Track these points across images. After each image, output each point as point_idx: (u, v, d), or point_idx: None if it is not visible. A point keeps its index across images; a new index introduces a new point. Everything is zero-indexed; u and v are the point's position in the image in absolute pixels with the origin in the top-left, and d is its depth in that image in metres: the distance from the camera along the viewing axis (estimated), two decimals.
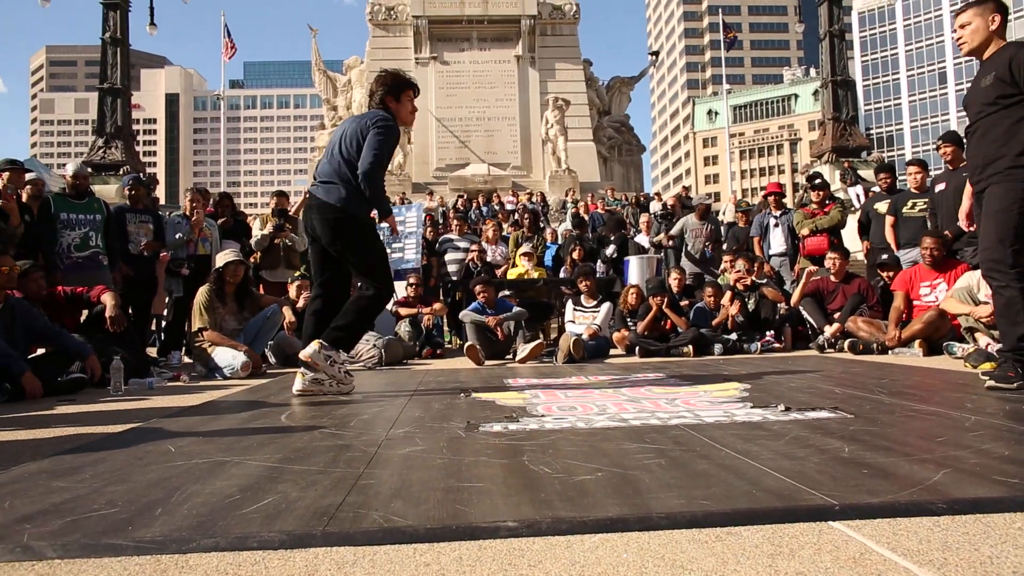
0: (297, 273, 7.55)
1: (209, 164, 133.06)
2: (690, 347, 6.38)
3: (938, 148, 6.54)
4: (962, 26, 3.58)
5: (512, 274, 8.84)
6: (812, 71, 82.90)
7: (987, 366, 4.09)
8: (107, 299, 5.10)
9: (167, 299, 7.20)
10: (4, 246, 4.98)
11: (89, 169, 7.51)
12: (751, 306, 7.00)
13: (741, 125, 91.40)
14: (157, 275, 6.90)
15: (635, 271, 9.11)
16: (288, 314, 6.03)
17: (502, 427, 2.61)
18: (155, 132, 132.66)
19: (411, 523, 1.44)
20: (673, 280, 7.52)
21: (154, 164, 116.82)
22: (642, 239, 10.72)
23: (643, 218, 11.57)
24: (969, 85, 3.76)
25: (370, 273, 3.85)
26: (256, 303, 6.07)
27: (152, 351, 7.15)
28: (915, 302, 5.99)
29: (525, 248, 9.07)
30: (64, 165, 7.13)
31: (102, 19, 15.80)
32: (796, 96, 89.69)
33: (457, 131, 23.94)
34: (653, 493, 1.62)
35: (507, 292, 7.64)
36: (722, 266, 8.36)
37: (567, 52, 25.39)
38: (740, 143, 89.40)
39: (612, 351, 6.93)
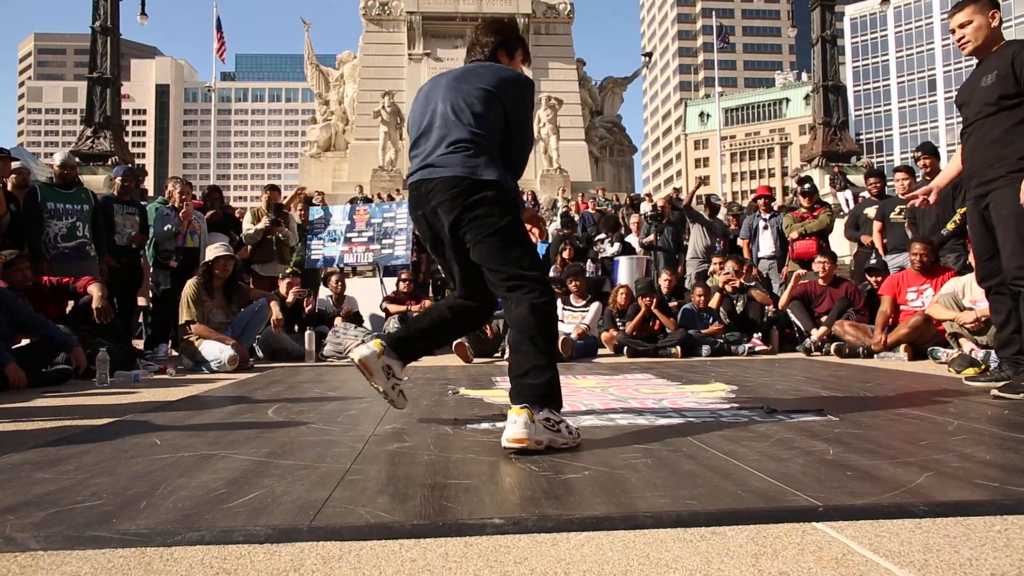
0: (288, 269, 7.53)
1: (199, 156, 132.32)
2: (678, 348, 6.41)
3: (916, 160, 6.57)
4: (961, 25, 3.43)
5: None
6: (804, 75, 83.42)
7: (970, 371, 4.12)
8: (94, 290, 5.06)
9: (153, 291, 7.15)
10: None
11: (77, 159, 7.44)
12: (739, 308, 7.04)
13: (732, 128, 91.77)
14: (142, 266, 6.85)
15: (624, 271, 9.13)
16: (276, 311, 5.98)
17: (490, 425, 2.62)
18: (144, 123, 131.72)
19: (397, 519, 1.44)
20: (663, 281, 7.55)
21: (143, 155, 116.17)
22: (632, 239, 10.75)
23: (633, 219, 11.60)
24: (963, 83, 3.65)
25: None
26: (244, 297, 6.04)
27: (138, 343, 7.10)
28: (902, 307, 6.04)
29: None
30: (52, 154, 7.06)
31: (92, 7, 15.63)
32: (787, 100, 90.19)
33: None
34: (639, 492, 1.62)
35: None
36: (711, 268, 8.39)
37: (560, 51, 25.39)
38: (731, 146, 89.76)
39: (600, 351, 6.95)
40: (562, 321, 7.04)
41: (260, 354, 6.40)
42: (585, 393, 3.63)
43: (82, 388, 4.20)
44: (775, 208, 9.51)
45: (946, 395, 3.36)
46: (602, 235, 10.23)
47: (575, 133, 24.13)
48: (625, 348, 6.52)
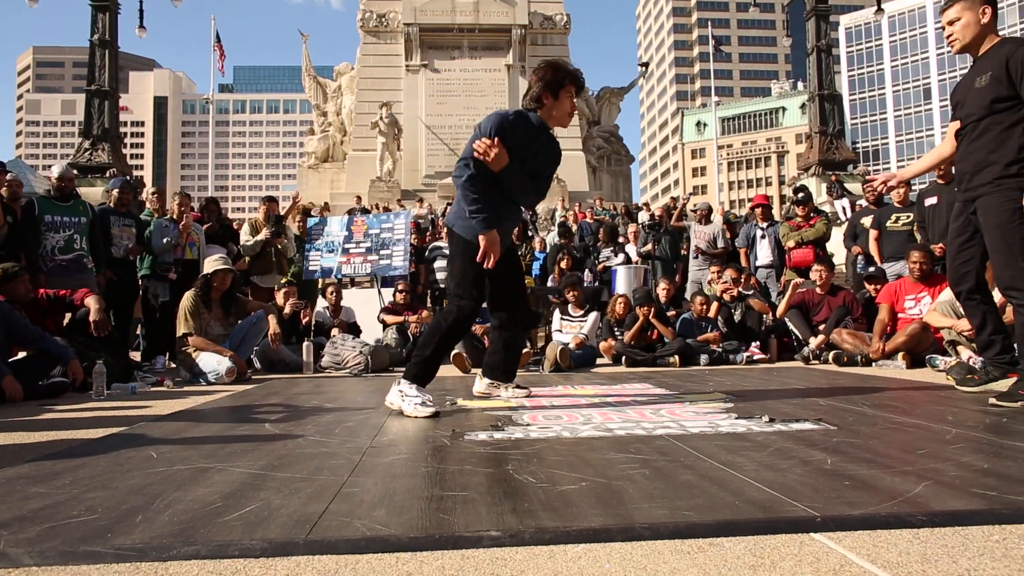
0: (284, 280, 7.52)
1: (197, 168, 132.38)
2: (676, 357, 6.40)
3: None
4: (950, 22, 3.34)
5: None
6: (799, 85, 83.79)
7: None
8: (91, 303, 5.05)
9: (151, 302, 7.14)
10: None
11: (75, 171, 7.45)
12: (738, 317, 7.04)
13: (729, 137, 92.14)
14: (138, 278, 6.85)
15: (622, 281, 9.14)
16: (273, 324, 5.94)
17: (487, 435, 2.61)
18: (143, 135, 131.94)
19: (394, 532, 1.44)
20: (661, 290, 7.55)
21: (141, 167, 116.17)
22: (630, 249, 10.76)
23: (631, 228, 11.62)
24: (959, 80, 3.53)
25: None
26: (242, 309, 6.02)
27: (135, 355, 7.08)
28: (900, 315, 6.05)
29: None
30: (50, 167, 7.06)
31: (91, 20, 15.68)
32: (784, 109, 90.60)
33: (447, 139, 23.97)
34: (636, 503, 1.62)
35: None
36: (709, 276, 8.40)
37: None
38: (728, 155, 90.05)
39: (599, 360, 6.94)
40: (560, 331, 7.04)
41: (258, 366, 6.38)
42: (583, 403, 3.62)
43: (79, 401, 4.19)
44: (773, 217, 9.52)
45: (944, 403, 3.36)
46: (607, 246, 10.24)
47: (572, 143, 24.19)
48: (623, 358, 6.52)
